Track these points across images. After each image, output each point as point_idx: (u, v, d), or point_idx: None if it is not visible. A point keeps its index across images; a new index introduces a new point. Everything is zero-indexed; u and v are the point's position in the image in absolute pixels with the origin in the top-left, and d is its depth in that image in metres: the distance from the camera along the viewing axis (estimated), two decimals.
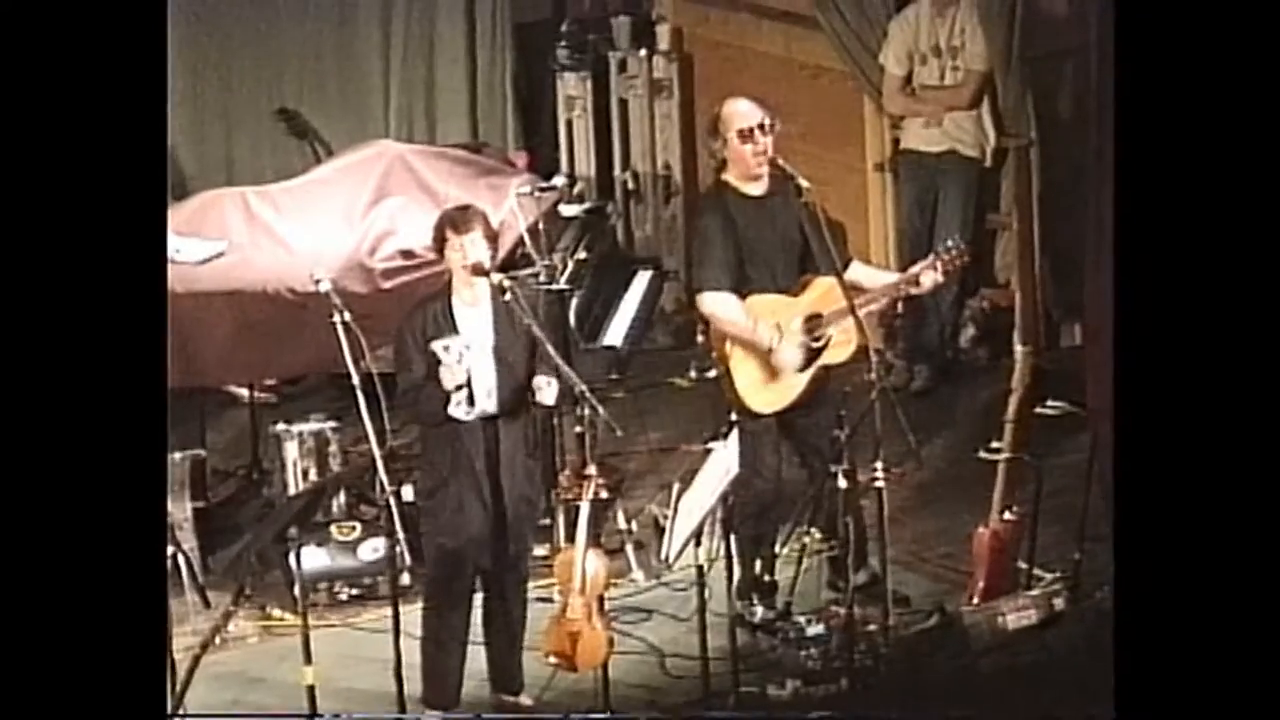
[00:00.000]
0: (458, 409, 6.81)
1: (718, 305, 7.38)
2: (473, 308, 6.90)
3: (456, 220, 6.89)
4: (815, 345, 7.39)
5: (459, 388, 6.78)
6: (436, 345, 6.79)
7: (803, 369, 7.41)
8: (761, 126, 7.36)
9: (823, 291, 7.38)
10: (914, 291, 7.49)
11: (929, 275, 7.39)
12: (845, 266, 7.37)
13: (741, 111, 7.41)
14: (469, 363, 6.79)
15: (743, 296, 7.36)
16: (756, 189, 7.44)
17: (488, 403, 6.86)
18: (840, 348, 7.38)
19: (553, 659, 6.98)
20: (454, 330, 6.82)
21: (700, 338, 7.64)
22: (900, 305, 9.21)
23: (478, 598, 7.06)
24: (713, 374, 7.51)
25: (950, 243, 7.51)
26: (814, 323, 7.39)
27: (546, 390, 6.81)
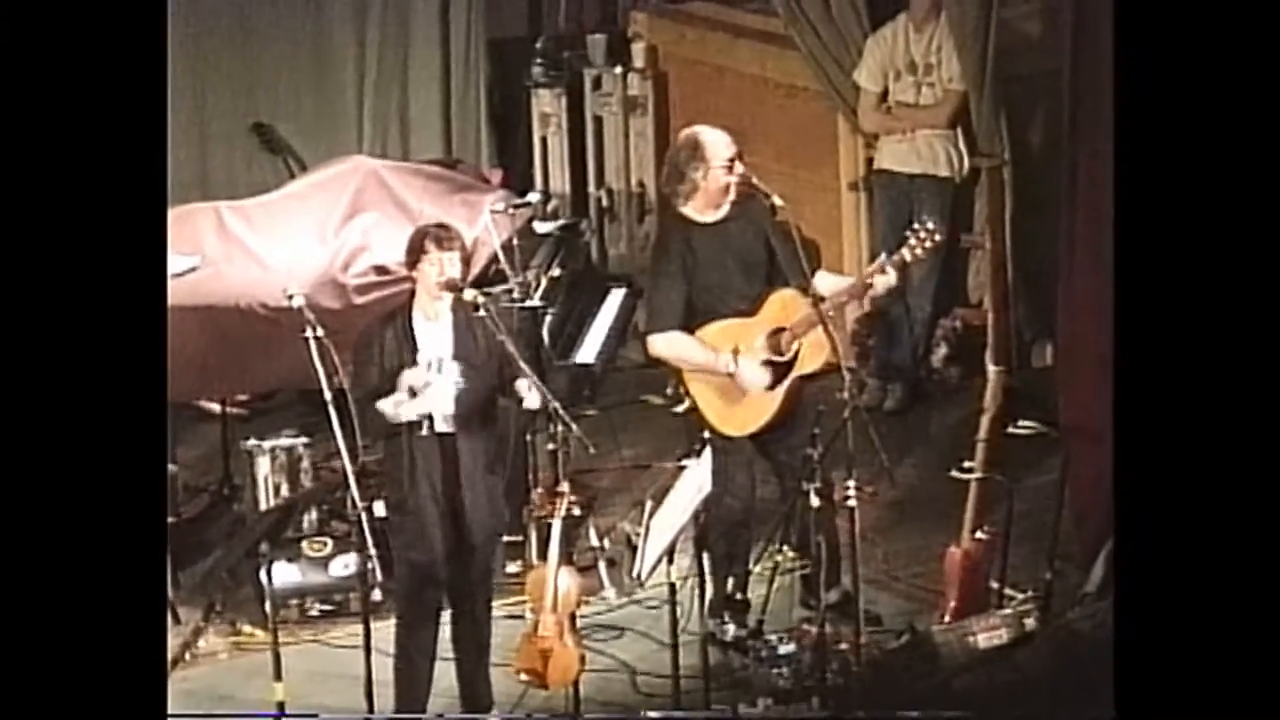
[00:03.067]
0: (414, 421, 6.80)
1: (666, 346, 7.40)
2: (433, 323, 6.91)
3: (440, 236, 6.90)
4: (782, 359, 7.39)
5: (415, 391, 6.78)
6: (395, 361, 6.80)
7: (773, 386, 7.41)
8: (739, 156, 7.40)
9: (781, 304, 7.38)
10: (871, 292, 7.48)
11: (880, 278, 7.39)
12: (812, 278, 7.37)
13: (723, 141, 7.41)
14: (428, 378, 6.80)
15: (694, 329, 7.37)
16: (714, 216, 7.44)
17: (446, 419, 6.87)
18: (812, 357, 7.38)
19: (524, 676, 6.97)
20: (414, 346, 6.83)
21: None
22: (871, 324, 9.25)
23: (447, 613, 7.06)
24: (682, 407, 7.52)
25: (917, 225, 7.49)
26: (777, 338, 7.39)
27: (529, 395, 6.81)
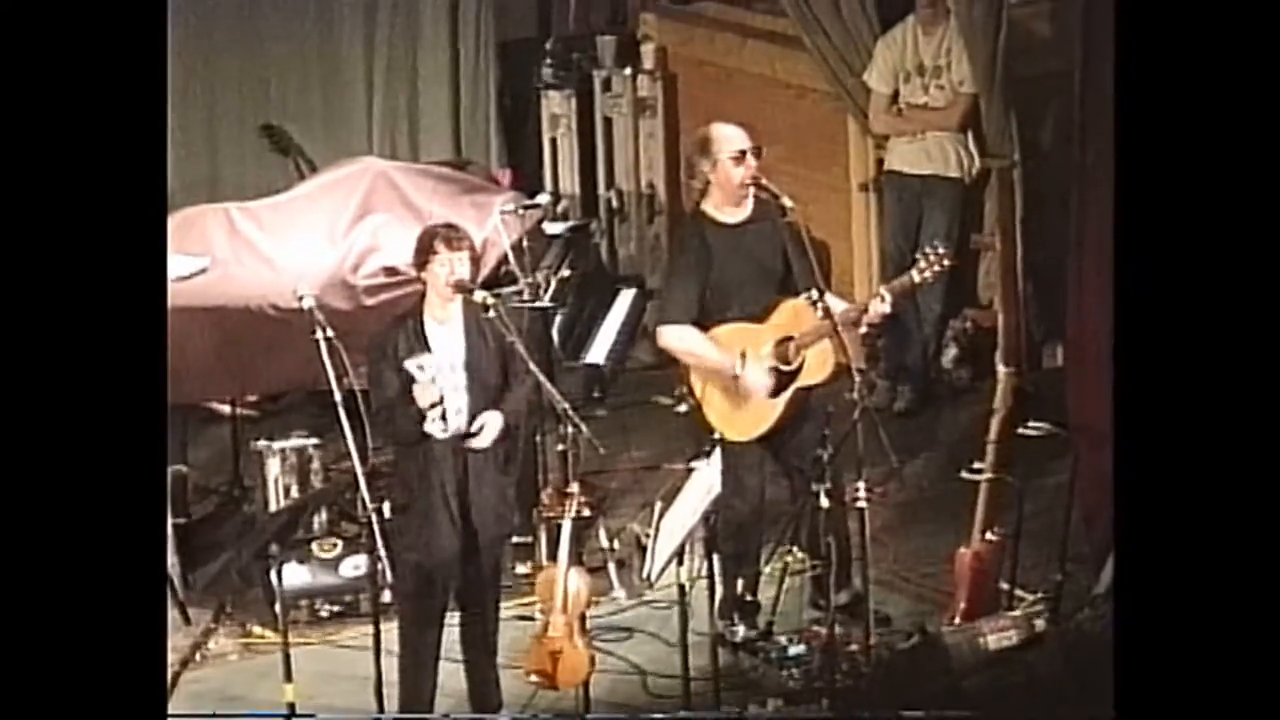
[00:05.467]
0: (433, 426, 6.81)
1: (675, 338, 7.40)
2: (444, 325, 6.91)
3: (449, 236, 6.90)
4: (788, 369, 7.38)
5: (433, 405, 6.79)
6: (410, 364, 6.80)
7: (776, 394, 7.39)
8: (751, 151, 7.38)
9: (791, 314, 7.37)
10: (866, 318, 7.46)
11: (876, 304, 7.38)
12: (827, 288, 7.37)
13: (732, 136, 7.41)
14: (443, 381, 6.80)
15: (707, 328, 7.36)
16: (736, 216, 7.44)
17: (457, 421, 6.86)
18: (817, 369, 7.38)
19: (534, 677, 6.97)
20: (426, 348, 6.83)
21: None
22: (881, 325, 9.25)
23: (454, 615, 7.06)
24: (684, 409, 7.53)
25: (928, 249, 7.48)
26: (784, 346, 7.38)
27: (485, 432, 6.80)
